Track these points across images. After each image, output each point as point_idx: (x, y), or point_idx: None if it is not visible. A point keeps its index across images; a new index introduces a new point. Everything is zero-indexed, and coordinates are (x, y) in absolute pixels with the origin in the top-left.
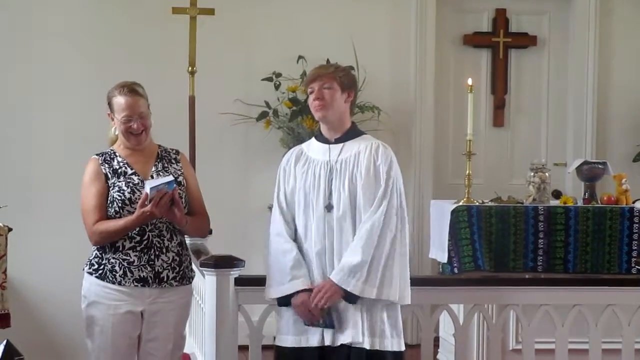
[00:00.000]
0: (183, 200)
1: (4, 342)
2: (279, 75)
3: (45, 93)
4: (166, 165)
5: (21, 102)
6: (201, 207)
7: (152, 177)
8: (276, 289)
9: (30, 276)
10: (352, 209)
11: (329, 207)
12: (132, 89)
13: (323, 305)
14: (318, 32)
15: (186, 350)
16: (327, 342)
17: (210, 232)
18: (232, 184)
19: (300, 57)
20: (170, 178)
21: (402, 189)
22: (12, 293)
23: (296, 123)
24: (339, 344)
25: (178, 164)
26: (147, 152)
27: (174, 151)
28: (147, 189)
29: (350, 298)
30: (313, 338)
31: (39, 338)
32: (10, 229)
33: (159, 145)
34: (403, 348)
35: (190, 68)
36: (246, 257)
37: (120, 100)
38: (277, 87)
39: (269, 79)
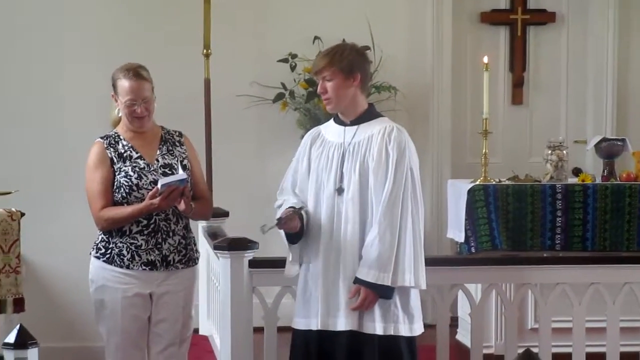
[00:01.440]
0: (189, 185)
1: (18, 326)
2: (294, 56)
3: (60, 75)
4: (170, 148)
5: (35, 84)
6: (204, 191)
7: (157, 160)
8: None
9: (45, 259)
10: (362, 192)
11: (339, 190)
12: (137, 73)
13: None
14: (334, 12)
15: (204, 332)
16: (328, 327)
17: (227, 214)
18: (249, 166)
19: (316, 37)
20: (184, 176)
21: (417, 172)
22: (29, 276)
23: (313, 104)
24: (337, 329)
25: (182, 147)
26: (150, 135)
27: (177, 133)
28: (159, 185)
29: (385, 293)
30: (314, 321)
31: (55, 321)
32: (22, 214)
33: (162, 127)
34: (416, 333)
35: (205, 51)
36: (263, 239)
37: (124, 83)
38: (293, 68)
39: (285, 61)
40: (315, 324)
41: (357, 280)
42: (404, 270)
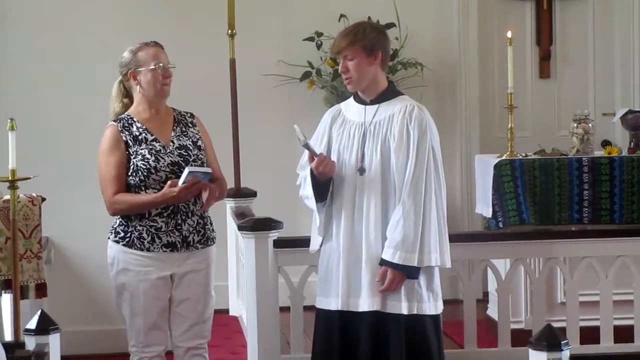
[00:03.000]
0: (204, 164)
1: (39, 312)
2: (320, 34)
3: (81, 59)
4: (184, 129)
5: (55, 69)
6: (219, 171)
7: (172, 142)
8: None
9: (72, 243)
10: (384, 172)
11: (361, 170)
12: (156, 42)
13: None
14: None
15: (234, 312)
16: (349, 308)
17: (255, 194)
18: (276, 146)
19: (341, 15)
20: (209, 170)
21: (439, 151)
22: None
23: (339, 82)
24: (360, 310)
25: (195, 128)
26: (164, 117)
27: (189, 114)
28: (186, 172)
29: (412, 273)
30: (334, 301)
31: (82, 304)
32: (44, 199)
33: (174, 109)
34: (440, 311)
35: (229, 31)
36: (292, 219)
37: (149, 50)
38: (319, 46)
39: (311, 39)
40: (335, 304)
41: (383, 262)
42: (430, 250)
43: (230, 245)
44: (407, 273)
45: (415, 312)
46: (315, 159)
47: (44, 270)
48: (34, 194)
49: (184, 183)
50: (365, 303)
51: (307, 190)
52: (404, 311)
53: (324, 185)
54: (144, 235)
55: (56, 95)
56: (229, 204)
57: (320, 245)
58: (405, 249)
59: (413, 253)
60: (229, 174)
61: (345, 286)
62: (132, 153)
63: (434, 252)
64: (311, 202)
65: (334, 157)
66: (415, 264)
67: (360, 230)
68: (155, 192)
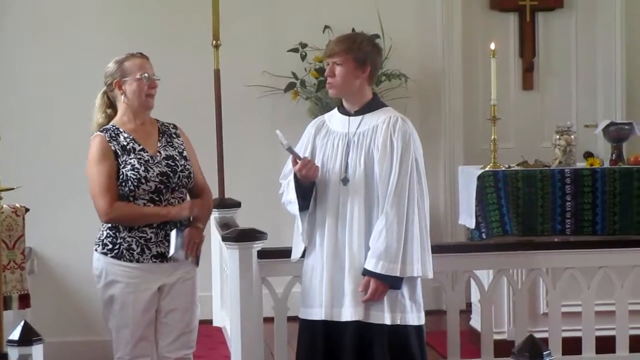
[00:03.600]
0: (191, 174)
1: (22, 323)
2: (305, 45)
3: (63, 71)
4: (169, 139)
5: (38, 79)
6: (204, 182)
7: (159, 152)
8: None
9: (56, 253)
10: (368, 182)
11: (344, 181)
12: (142, 53)
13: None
14: (343, 0)
15: (217, 323)
16: (332, 318)
17: (239, 204)
18: (261, 157)
19: (326, 26)
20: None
21: (422, 162)
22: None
23: (324, 93)
24: (343, 320)
25: (179, 138)
26: (149, 127)
27: (172, 125)
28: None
29: (395, 284)
30: (318, 311)
31: (65, 315)
32: (27, 210)
33: (157, 120)
34: (423, 322)
35: (214, 42)
36: (276, 229)
37: (135, 61)
38: (303, 57)
39: (295, 50)
40: (319, 314)
41: (366, 272)
42: (413, 261)
43: (214, 255)
44: (390, 283)
45: (398, 323)
46: (299, 162)
47: (27, 280)
48: (17, 205)
49: (178, 247)
50: (348, 313)
51: (290, 195)
52: (387, 321)
53: (307, 190)
54: (134, 246)
55: (40, 106)
56: (213, 215)
57: (303, 255)
58: (388, 259)
59: (396, 263)
60: (213, 184)
61: (328, 296)
62: (121, 163)
63: (416, 262)
64: (294, 207)
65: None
66: (398, 274)
67: (343, 240)
68: (144, 202)
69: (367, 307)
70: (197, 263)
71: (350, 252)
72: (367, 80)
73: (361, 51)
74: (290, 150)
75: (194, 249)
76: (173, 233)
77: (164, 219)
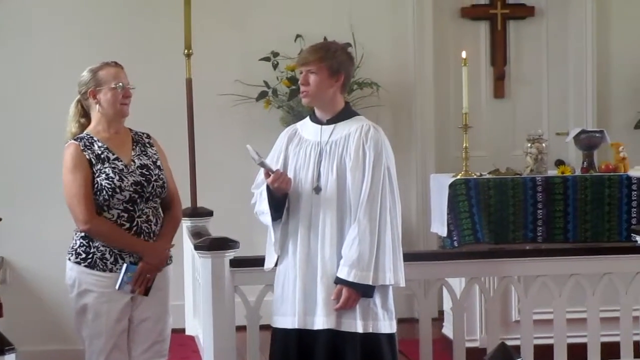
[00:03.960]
0: (165, 184)
1: None
2: (276, 54)
3: (34, 78)
4: (143, 149)
5: (10, 89)
6: (175, 192)
7: (133, 161)
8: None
9: (28, 263)
10: (340, 191)
11: (317, 189)
12: (117, 62)
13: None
14: (315, 10)
15: (190, 332)
16: (305, 326)
17: (211, 213)
18: (233, 165)
19: (298, 35)
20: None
21: (394, 171)
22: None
23: (296, 102)
24: (315, 328)
25: (152, 148)
26: (123, 136)
27: (145, 135)
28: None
29: (367, 292)
30: (291, 320)
31: (39, 324)
32: None
33: (130, 129)
34: (395, 330)
35: (186, 50)
36: (248, 238)
37: (110, 70)
38: (275, 66)
39: (267, 59)
40: (292, 322)
41: (338, 280)
42: (385, 269)
43: (187, 264)
44: (362, 291)
45: (370, 331)
46: (272, 175)
47: None
48: None
49: (125, 281)
50: (321, 321)
51: (262, 206)
52: (360, 329)
53: (280, 201)
54: (107, 256)
55: (11, 115)
56: (185, 224)
57: (276, 264)
58: (360, 267)
59: (368, 272)
60: (186, 193)
61: (301, 304)
62: (95, 172)
63: (388, 271)
64: (266, 217)
65: (290, 176)
66: (370, 283)
67: (315, 249)
68: (119, 212)
69: (339, 315)
70: (146, 294)
71: (323, 261)
72: (340, 89)
73: (335, 60)
74: (262, 164)
75: (142, 284)
76: (123, 267)
77: (137, 253)
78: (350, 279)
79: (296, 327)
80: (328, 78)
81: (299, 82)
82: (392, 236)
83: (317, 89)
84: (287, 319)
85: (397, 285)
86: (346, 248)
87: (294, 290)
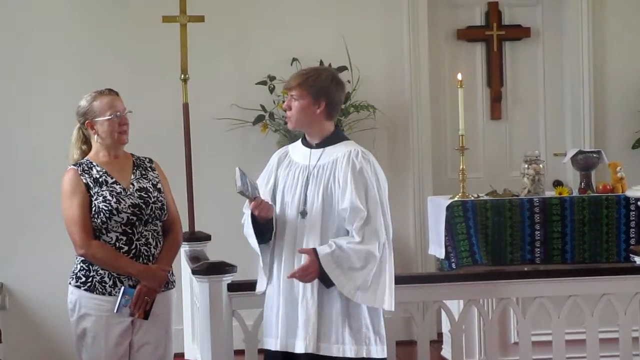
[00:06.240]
0: (164, 206)
1: None
2: (273, 78)
3: (32, 104)
4: (143, 172)
5: (10, 114)
6: (176, 216)
7: (132, 185)
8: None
9: (27, 288)
10: (325, 216)
11: (303, 214)
12: (110, 90)
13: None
14: (311, 33)
15: (189, 356)
16: (287, 348)
17: (209, 237)
18: (231, 189)
19: (294, 59)
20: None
21: (385, 194)
22: (12, 306)
23: None
24: (296, 352)
25: (154, 172)
26: (123, 161)
27: (148, 159)
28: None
29: (325, 281)
30: (274, 342)
31: (38, 349)
32: None
33: (132, 154)
34: (385, 355)
35: (182, 75)
36: (246, 262)
37: (104, 100)
38: (271, 90)
39: (264, 83)
40: (275, 345)
41: (314, 250)
42: (370, 290)
43: (185, 288)
44: (321, 275)
45: (363, 356)
46: (252, 203)
47: None
48: None
49: (123, 304)
50: (301, 345)
51: (248, 230)
52: (351, 354)
53: (265, 226)
54: (106, 279)
55: (11, 139)
56: (183, 248)
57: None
58: (338, 263)
59: (340, 269)
60: (183, 217)
61: (284, 327)
62: (93, 195)
63: (362, 288)
64: (253, 241)
65: (278, 198)
66: (332, 278)
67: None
68: (117, 235)
69: (319, 339)
70: (145, 317)
71: (304, 285)
72: (323, 115)
73: (316, 86)
74: (241, 193)
75: (141, 307)
76: (121, 290)
77: (133, 276)
78: (322, 259)
79: (278, 349)
80: (309, 104)
81: (283, 106)
82: (382, 261)
83: (298, 114)
84: (271, 341)
85: (386, 309)
86: (342, 240)
87: (277, 313)
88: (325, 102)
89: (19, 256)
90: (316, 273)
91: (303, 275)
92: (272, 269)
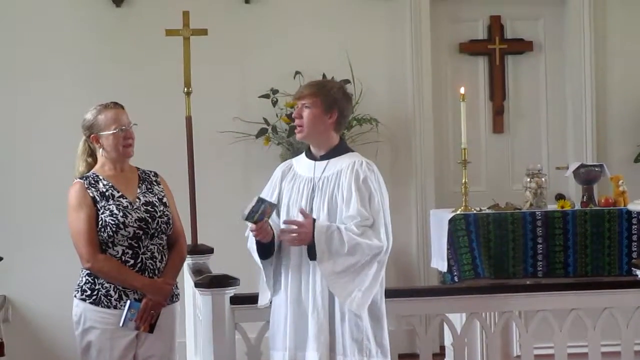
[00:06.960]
0: (170, 220)
1: None
2: (276, 91)
3: (34, 118)
4: (149, 186)
5: (15, 128)
6: (181, 230)
7: (138, 199)
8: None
9: (31, 301)
10: None
11: None
12: (115, 103)
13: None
14: (313, 46)
15: None
16: None
17: (212, 250)
18: (234, 202)
19: (297, 72)
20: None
21: (387, 206)
22: (15, 319)
23: (295, 138)
24: None
25: (159, 186)
26: (129, 175)
27: (153, 173)
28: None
29: (311, 254)
30: (282, 354)
31: None
32: (1, 258)
33: (138, 168)
34: None
35: (185, 89)
36: (249, 274)
37: (108, 114)
38: (274, 103)
39: (266, 96)
40: (283, 357)
41: (313, 221)
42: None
43: (188, 301)
44: (309, 246)
45: None
46: (255, 227)
47: (1, 329)
48: None
49: (129, 318)
50: (312, 357)
51: (252, 245)
52: None
53: (266, 245)
54: (112, 292)
55: (13, 154)
56: (186, 261)
57: (270, 300)
58: (328, 242)
59: (327, 249)
60: (186, 230)
61: (292, 339)
62: (99, 209)
63: (339, 275)
64: (256, 255)
65: (284, 211)
66: (317, 252)
67: (307, 283)
68: (123, 249)
69: (332, 350)
70: (151, 331)
71: (314, 296)
72: (333, 126)
73: (330, 96)
74: (246, 220)
75: (146, 320)
76: (127, 304)
77: (138, 290)
78: (316, 232)
79: None
80: (322, 113)
81: (293, 115)
82: (377, 269)
83: (309, 123)
84: (279, 354)
85: (356, 311)
86: (343, 225)
87: (285, 325)
88: (337, 112)
89: (22, 269)
90: (307, 239)
91: (290, 235)
92: (279, 280)
